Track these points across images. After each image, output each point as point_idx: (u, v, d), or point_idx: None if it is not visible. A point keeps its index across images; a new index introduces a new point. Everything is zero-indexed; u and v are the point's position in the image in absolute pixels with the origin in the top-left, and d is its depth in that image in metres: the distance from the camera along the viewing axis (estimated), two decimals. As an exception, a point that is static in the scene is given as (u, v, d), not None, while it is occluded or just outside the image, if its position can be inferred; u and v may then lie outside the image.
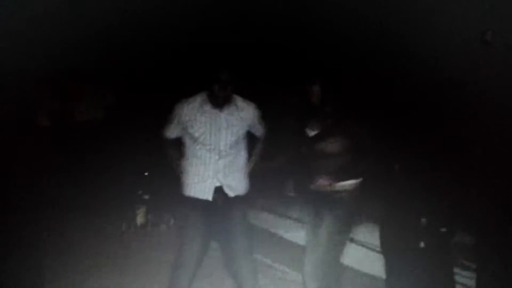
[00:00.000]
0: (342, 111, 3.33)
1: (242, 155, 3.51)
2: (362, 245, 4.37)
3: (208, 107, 3.37)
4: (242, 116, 3.43)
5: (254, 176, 3.56)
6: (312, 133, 3.35)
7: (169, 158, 3.58)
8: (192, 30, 4.94)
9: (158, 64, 5.47)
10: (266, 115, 3.58)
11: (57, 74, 5.57)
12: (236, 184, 3.45)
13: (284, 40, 4.64)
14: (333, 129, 3.31)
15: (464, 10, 3.67)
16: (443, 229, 3.18)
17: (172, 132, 3.48)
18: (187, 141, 3.43)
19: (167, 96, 3.66)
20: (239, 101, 3.45)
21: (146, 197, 5.46)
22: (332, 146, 3.28)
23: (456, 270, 3.39)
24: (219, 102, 3.35)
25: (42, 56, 4.40)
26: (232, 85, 3.34)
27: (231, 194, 3.41)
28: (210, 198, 3.38)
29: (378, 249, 3.51)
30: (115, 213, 5.52)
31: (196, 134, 3.34)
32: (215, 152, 3.35)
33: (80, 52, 5.30)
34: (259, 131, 3.58)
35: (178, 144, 3.50)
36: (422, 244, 3.17)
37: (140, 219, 5.41)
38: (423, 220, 3.21)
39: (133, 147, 5.43)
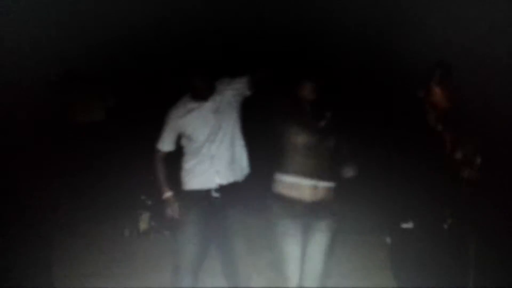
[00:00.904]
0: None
1: (238, 143, 3.49)
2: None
3: (192, 104, 3.41)
4: (226, 99, 3.42)
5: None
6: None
7: (159, 172, 3.50)
8: (193, 32, 4.94)
9: (161, 65, 5.45)
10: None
11: (58, 75, 5.59)
12: (232, 171, 3.44)
13: (279, 40, 4.63)
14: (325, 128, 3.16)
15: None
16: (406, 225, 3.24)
17: (166, 144, 3.47)
18: (186, 143, 3.45)
19: (171, 98, 3.60)
20: (219, 85, 3.44)
21: (149, 202, 5.38)
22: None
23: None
24: (202, 94, 3.38)
25: (44, 57, 4.43)
26: (211, 75, 3.38)
27: (230, 180, 3.41)
28: (213, 185, 3.38)
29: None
30: (117, 218, 5.44)
31: (193, 134, 3.37)
32: (213, 144, 3.37)
33: (81, 52, 5.30)
34: (244, 82, 3.44)
35: (167, 160, 3.50)
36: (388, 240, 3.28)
37: (142, 225, 5.35)
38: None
39: (135, 150, 5.35)
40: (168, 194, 3.46)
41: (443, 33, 3.76)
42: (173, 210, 3.44)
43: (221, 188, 3.39)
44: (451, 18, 3.75)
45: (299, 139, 3.07)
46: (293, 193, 3.08)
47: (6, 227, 3.26)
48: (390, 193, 3.54)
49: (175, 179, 3.50)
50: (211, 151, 3.37)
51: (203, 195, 3.39)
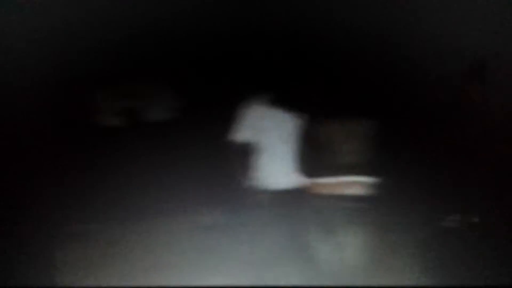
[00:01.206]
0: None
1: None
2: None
3: (270, 106, 3.56)
4: None
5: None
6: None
7: (234, 164, 3.59)
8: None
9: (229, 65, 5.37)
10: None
11: (125, 74, 5.72)
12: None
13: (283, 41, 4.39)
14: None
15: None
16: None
17: (239, 135, 3.58)
18: (258, 139, 3.56)
19: (235, 98, 3.72)
20: None
21: (211, 198, 5.31)
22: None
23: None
24: (278, 100, 3.53)
25: (108, 55, 4.57)
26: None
27: (300, 181, 3.51)
28: (283, 185, 3.51)
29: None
30: (180, 214, 5.41)
31: (267, 129, 3.52)
32: (285, 144, 3.51)
33: (149, 51, 5.40)
34: None
35: (243, 152, 3.60)
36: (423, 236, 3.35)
37: (206, 221, 5.30)
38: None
39: (199, 148, 5.39)
40: (244, 186, 3.54)
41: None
42: (247, 204, 3.54)
43: (291, 189, 3.51)
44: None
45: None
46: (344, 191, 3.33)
47: (6, 227, 3.39)
48: (428, 191, 3.50)
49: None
50: (283, 151, 3.50)
51: (274, 194, 3.52)
